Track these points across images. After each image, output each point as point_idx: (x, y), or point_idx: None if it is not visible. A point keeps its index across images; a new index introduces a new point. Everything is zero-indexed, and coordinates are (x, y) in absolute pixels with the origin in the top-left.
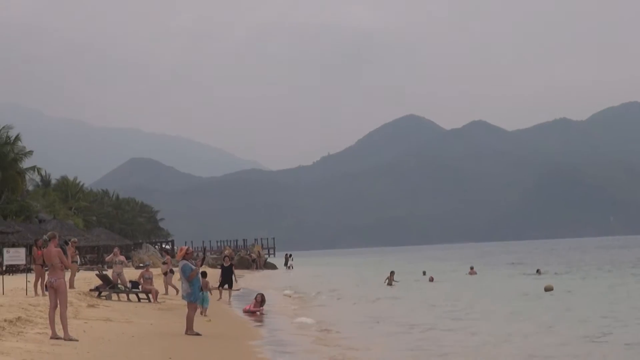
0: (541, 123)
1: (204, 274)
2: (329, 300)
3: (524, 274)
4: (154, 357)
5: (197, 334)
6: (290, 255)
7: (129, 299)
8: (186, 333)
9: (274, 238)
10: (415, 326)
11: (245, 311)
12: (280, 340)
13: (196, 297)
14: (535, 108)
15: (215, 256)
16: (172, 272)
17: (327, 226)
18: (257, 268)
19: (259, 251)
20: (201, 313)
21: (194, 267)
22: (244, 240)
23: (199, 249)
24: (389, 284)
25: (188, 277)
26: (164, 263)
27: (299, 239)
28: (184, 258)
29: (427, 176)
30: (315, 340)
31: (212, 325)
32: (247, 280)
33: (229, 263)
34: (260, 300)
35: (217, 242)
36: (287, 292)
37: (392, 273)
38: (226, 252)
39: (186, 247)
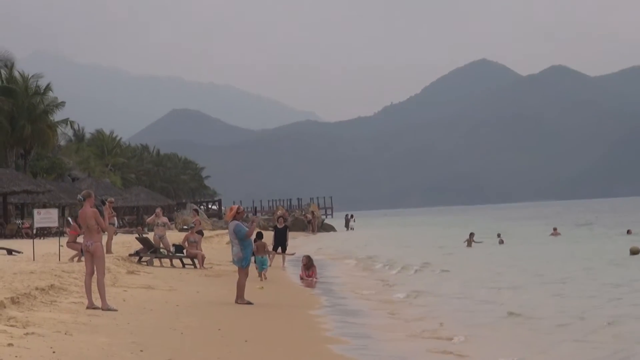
0: (627, 68)
1: (260, 236)
2: (393, 267)
3: (604, 234)
4: (202, 329)
5: (249, 303)
6: (352, 216)
7: (172, 265)
8: (236, 302)
9: (331, 197)
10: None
11: (302, 278)
12: (343, 310)
13: (248, 261)
14: (621, 51)
15: (267, 217)
16: (201, 233)
17: (390, 183)
18: (313, 230)
19: (314, 211)
20: (262, 277)
21: (247, 228)
22: (298, 199)
23: (250, 210)
24: (469, 245)
25: (243, 237)
26: (190, 227)
27: (359, 197)
28: (234, 218)
29: (500, 128)
30: (381, 310)
31: (265, 293)
32: (302, 244)
33: (283, 225)
34: (307, 262)
35: (268, 201)
36: (323, 251)
37: (471, 234)
38: (279, 212)
39: (236, 206)
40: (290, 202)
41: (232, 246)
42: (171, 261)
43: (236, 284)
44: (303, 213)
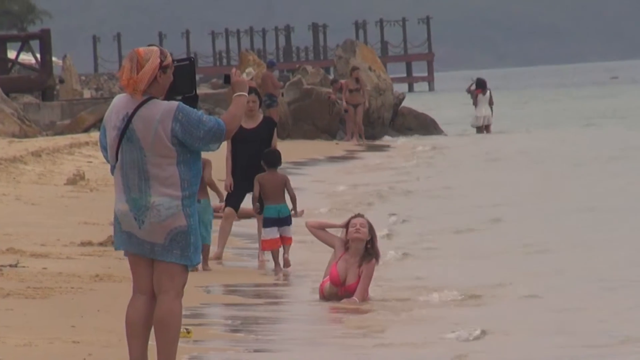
0: None
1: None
2: None
3: None
4: None
5: None
6: (478, 86)
7: None
8: None
9: (427, 19)
10: None
11: (325, 295)
12: None
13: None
14: None
15: (209, 90)
16: None
17: None
18: (357, 132)
19: (357, 76)
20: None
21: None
22: (313, 27)
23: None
24: None
25: (215, 138)
26: None
27: (495, 41)
28: (150, 86)
29: None
30: None
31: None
32: (319, 185)
33: (260, 119)
34: (366, 233)
35: (213, 36)
36: None
37: None
38: (244, 72)
39: (155, 48)
40: (287, 38)
41: (141, 187)
42: None
43: (158, 318)
44: (333, 78)
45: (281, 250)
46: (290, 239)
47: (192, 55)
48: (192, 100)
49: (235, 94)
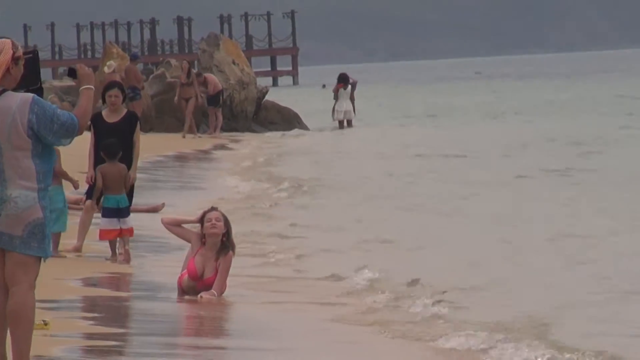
0: None
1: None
2: None
3: None
4: None
5: None
6: (342, 80)
7: None
8: None
9: (292, 13)
10: None
11: (184, 288)
12: None
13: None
14: None
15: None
16: None
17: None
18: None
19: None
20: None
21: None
22: (178, 20)
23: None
24: None
25: (69, 132)
26: None
27: (353, 34)
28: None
29: None
30: None
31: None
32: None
33: (123, 113)
34: (222, 227)
35: (75, 26)
36: None
37: None
38: (107, 66)
39: (7, 40)
40: (152, 32)
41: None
42: None
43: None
44: (197, 72)
45: (121, 241)
46: (131, 229)
47: (57, 47)
48: (37, 92)
49: (82, 87)
